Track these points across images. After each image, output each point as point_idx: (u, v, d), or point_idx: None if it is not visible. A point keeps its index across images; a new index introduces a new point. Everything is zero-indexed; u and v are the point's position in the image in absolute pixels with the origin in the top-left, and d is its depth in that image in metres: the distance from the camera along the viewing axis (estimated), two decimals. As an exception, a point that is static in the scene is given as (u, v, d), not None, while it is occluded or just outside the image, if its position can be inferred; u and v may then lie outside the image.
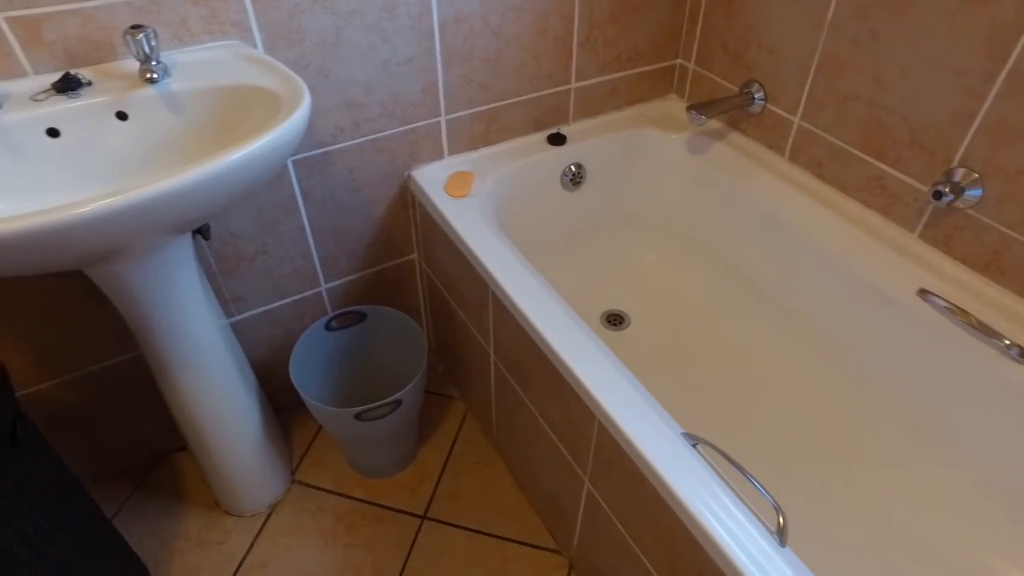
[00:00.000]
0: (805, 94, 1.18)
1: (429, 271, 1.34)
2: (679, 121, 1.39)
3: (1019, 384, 0.94)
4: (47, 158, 0.84)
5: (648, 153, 1.39)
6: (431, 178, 1.21)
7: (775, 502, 0.76)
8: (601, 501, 0.96)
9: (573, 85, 1.31)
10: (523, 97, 1.27)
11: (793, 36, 1.16)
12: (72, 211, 0.63)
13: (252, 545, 1.22)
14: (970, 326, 0.98)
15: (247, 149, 0.73)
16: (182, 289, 0.95)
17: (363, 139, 1.15)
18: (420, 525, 1.25)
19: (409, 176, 1.24)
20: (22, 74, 0.85)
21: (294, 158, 1.10)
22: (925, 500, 1.08)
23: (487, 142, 1.29)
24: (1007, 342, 0.95)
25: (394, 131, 1.17)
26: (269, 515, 1.27)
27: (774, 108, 1.25)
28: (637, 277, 1.48)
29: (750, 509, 0.74)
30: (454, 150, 1.26)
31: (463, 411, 1.45)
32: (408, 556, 1.20)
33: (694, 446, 0.81)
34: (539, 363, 0.98)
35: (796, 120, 1.22)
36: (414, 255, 1.37)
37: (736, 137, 1.34)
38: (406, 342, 1.28)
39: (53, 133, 0.84)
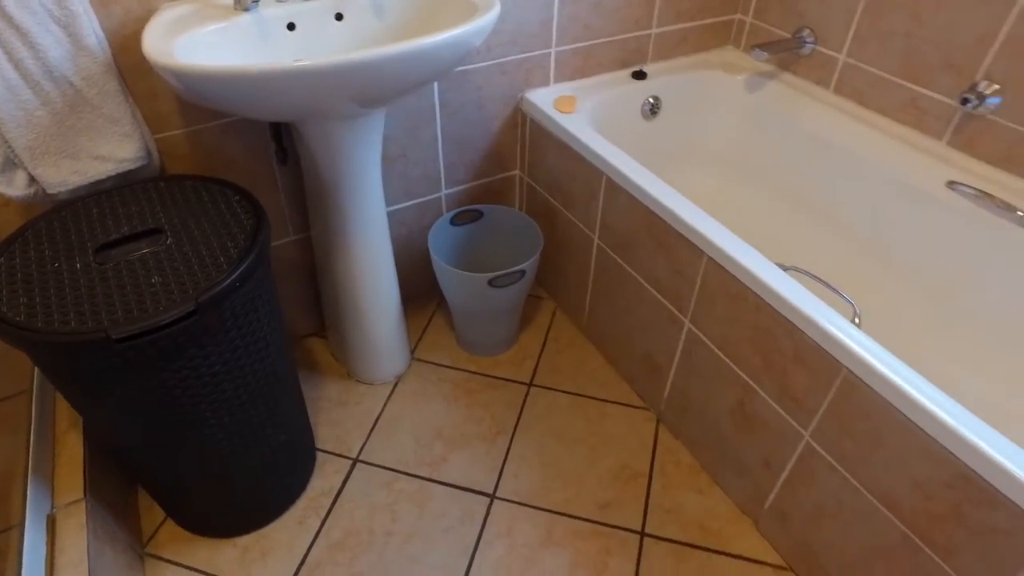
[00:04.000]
0: (851, 34, 1.44)
1: (531, 182, 1.58)
2: (737, 67, 1.65)
3: (1030, 244, 1.20)
4: (287, 46, 1.09)
5: (713, 90, 1.65)
6: (542, 98, 1.46)
7: (853, 301, 1.01)
8: (701, 335, 1.20)
9: (654, 30, 1.57)
10: (615, 37, 1.52)
11: (843, -15, 1.42)
12: (295, 65, 0.83)
13: (386, 404, 1.45)
14: (993, 205, 1.24)
15: (445, 35, 0.92)
16: (368, 164, 1.19)
17: (492, 62, 1.40)
18: (527, 391, 1.48)
19: (522, 98, 1.49)
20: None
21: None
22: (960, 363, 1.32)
23: (583, 74, 1.55)
24: (1021, 212, 1.21)
25: (515, 57, 1.42)
26: (396, 384, 1.50)
27: (822, 49, 1.51)
28: (699, 198, 1.73)
29: (833, 307, 0.99)
30: (558, 79, 1.52)
31: (552, 308, 1.69)
32: (520, 412, 1.43)
33: (785, 270, 1.05)
34: (650, 229, 1.23)
35: (842, 57, 1.48)
36: (516, 171, 1.62)
37: (787, 76, 1.60)
38: (518, 236, 1.52)
39: (291, 27, 1.09)
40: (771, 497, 1.17)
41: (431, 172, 1.49)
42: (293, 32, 1.09)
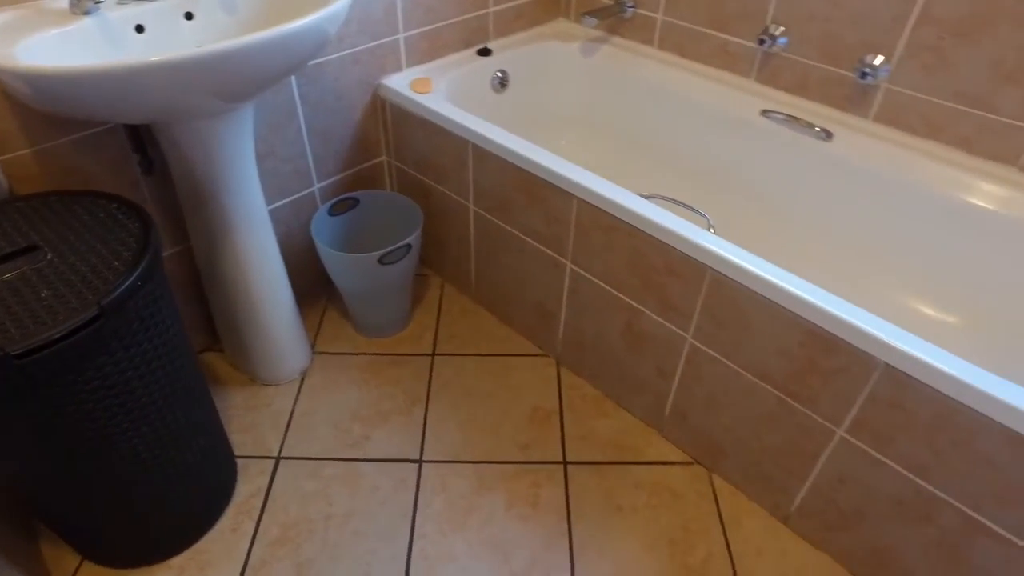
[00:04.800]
0: (663, -6, 1.63)
1: (400, 165, 1.64)
2: (571, 36, 1.80)
3: (829, 152, 1.43)
4: (137, 48, 1.08)
5: (553, 59, 1.79)
6: (398, 83, 1.53)
7: (707, 215, 1.17)
8: (583, 272, 1.33)
9: (491, 9, 1.68)
10: (458, 18, 1.62)
11: (648, -48, 1.61)
12: (146, 60, 0.82)
13: (296, 400, 1.46)
14: (799, 125, 1.46)
15: (301, 23, 0.94)
16: (245, 162, 1.20)
17: (345, 52, 1.45)
18: (432, 361, 1.55)
19: (379, 84, 1.54)
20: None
21: (296, 66, 1.38)
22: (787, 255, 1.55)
23: (433, 57, 1.63)
24: (818, 128, 1.44)
25: (366, 46, 1.48)
26: (302, 380, 1.51)
27: (642, 11, 1.69)
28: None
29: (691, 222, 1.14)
30: (410, 63, 1.58)
31: (440, 283, 1.76)
32: (429, 381, 1.50)
33: (646, 199, 1.20)
34: (521, 185, 1.33)
35: (659, 16, 1.67)
36: (384, 157, 1.67)
37: (616, 39, 1.78)
38: (397, 216, 1.57)
39: (140, 29, 1.08)
40: (669, 403, 1.32)
41: (301, 167, 1.51)
42: (143, 34, 1.08)
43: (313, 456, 1.35)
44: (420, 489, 1.29)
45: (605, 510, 1.26)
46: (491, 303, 1.65)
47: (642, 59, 1.70)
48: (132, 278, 0.89)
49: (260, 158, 1.42)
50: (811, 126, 1.45)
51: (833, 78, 1.44)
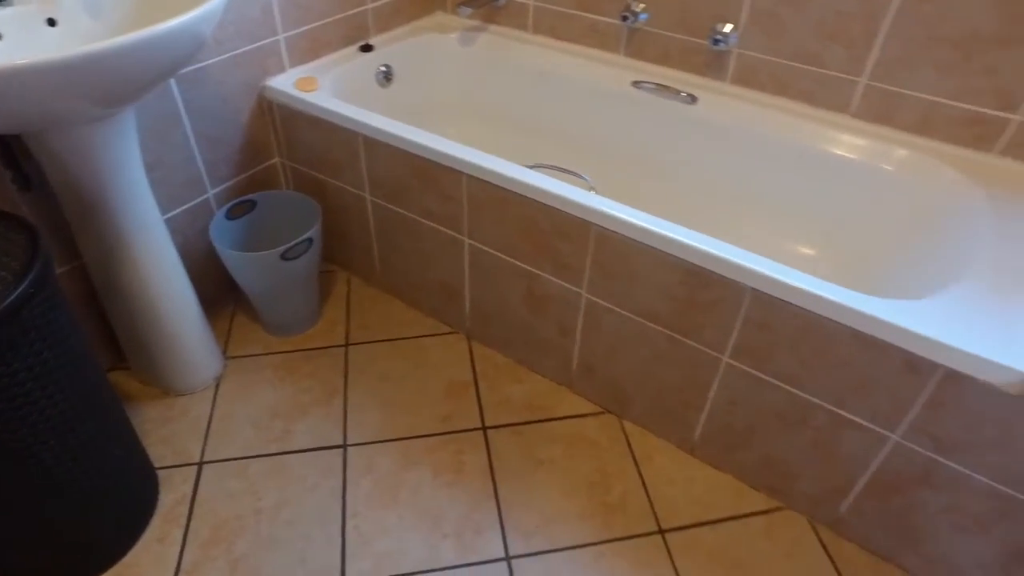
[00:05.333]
0: (530, -19, 1.72)
1: (293, 164, 1.66)
2: (449, 27, 1.86)
3: (695, 114, 1.56)
4: None
5: (433, 51, 1.85)
6: (283, 83, 1.54)
7: (587, 177, 1.26)
8: (480, 245, 1.39)
9: (369, 5, 1.72)
10: (337, 16, 1.65)
11: (512, -59, 1.69)
12: (10, 63, 0.80)
13: (214, 405, 1.46)
14: (668, 92, 1.58)
15: (173, 23, 0.94)
16: (133, 170, 1.19)
17: (226, 56, 1.45)
18: (346, 351, 1.58)
19: (264, 86, 1.56)
20: (-41, -1, 1.06)
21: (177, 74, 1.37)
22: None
23: (316, 55, 1.65)
24: (683, 93, 1.57)
25: (247, 48, 1.49)
26: (217, 385, 1.50)
27: (513, -1, 1.78)
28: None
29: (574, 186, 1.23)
30: (293, 63, 1.61)
31: (346, 277, 1.78)
32: (346, 370, 1.53)
33: (533, 168, 1.28)
34: (413, 170, 1.38)
35: (531, 2, 1.76)
36: (276, 158, 1.68)
37: (493, 27, 1.85)
38: (295, 214, 1.59)
39: None
40: (575, 359, 1.41)
41: (192, 174, 1.51)
42: (1, 42, 1.06)
43: (237, 456, 1.35)
44: (347, 472, 1.32)
45: (526, 466, 1.33)
46: (398, 289, 1.69)
47: (519, 44, 1.79)
48: (23, 286, 0.88)
49: (149, 167, 1.41)
50: (677, 92, 1.58)
51: (691, 47, 1.57)
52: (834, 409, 1.08)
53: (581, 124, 1.76)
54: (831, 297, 0.99)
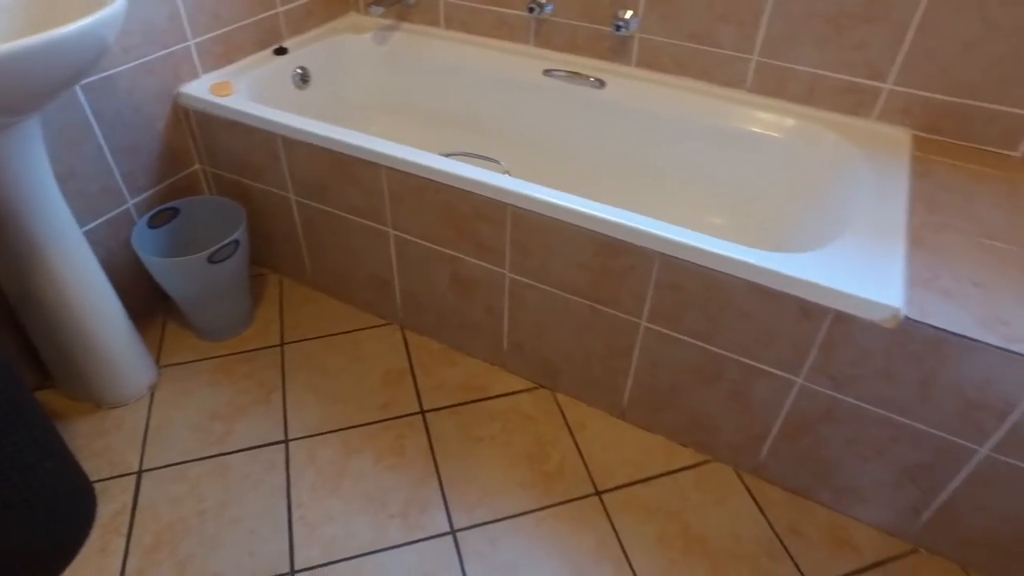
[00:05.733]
0: (439, -22, 1.77)
1: (214, 170, 1.66)
2: (363, 27, 1.89)
3: (601, 98, 1.64)
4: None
5: (348, 51, 1.87)
6: (198, 89, 1.55)
7: (501, 161, 1.31)
8: (404, 235, 1.43)
9: (280, 9, 1.74)
10: (247, 20, 1.66)
11: (418, -60, 1.73)
12: None
13: (150, 414, 1.45)
14: (578, 79, 1.66)
15: (72, 28, 0.94)
16: (42, 180, 1.18)
17: (135, 63, 1.45)
18: (282, 350, 1.59)
19: (179, 93, 1.55)
20: None
21: (81, 83, 1.36)
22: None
23: (230, 60, 1.66)
24: (592, 78, 1.64)
25: (157, 55, 1.48)
26: (152, 394, 1.50)
27: (423, -4, 1.82)
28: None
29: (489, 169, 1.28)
30: (207, 69, 1.61)
31: (278, 279, 1.79)
32: (283, 369, 1.54)
33: (449, 156, 1.33)
34: (333, 167, 1.41)
35: (440, -1, 1.81)
36: (197, 165, 1.68)
37: (406, 25, 1.89)
38: (220, 218, 1.59)
39: None
40: (504, 338, 1.46)
41: (109, 185, 1.49)
42: None
43: (177, 461, 1.35)
44: (290, 466, 1.34)
45: (466, 444, 1.38)
46: (329, 286, 1.71)
47: (432, 40, 1.83)
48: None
49: (61, 179, 1.39)
50: (586, 78, 1.65)
51: (596, 34, 1.65)
52: (744, 360, 1.17)
53: (497, 114, 1.82)
54: (730, 255, 1.07)
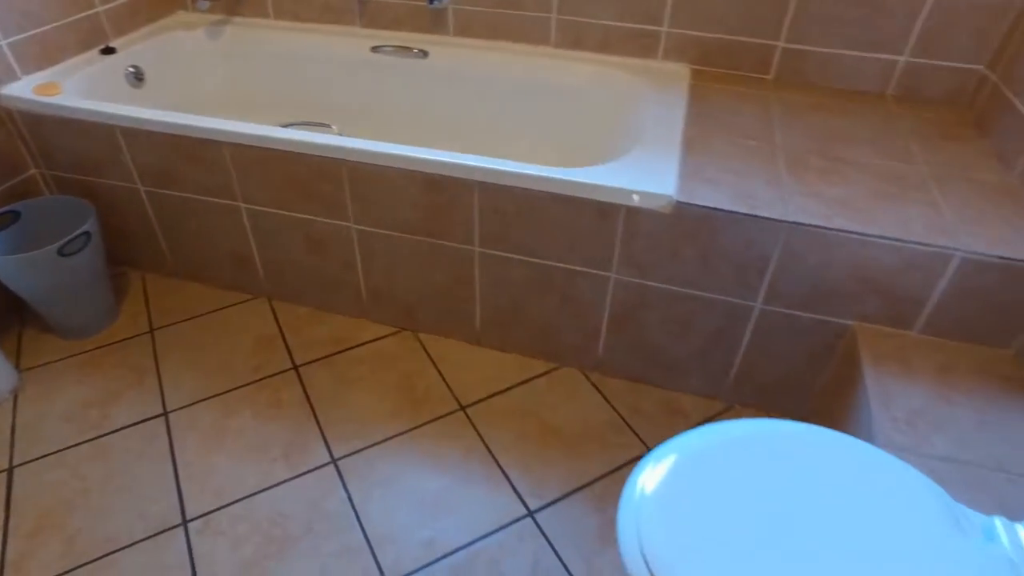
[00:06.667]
0: (259, -30, 1.86)
1: (54, 172, 1.67)
2: (194, 24, 1.95)
3: (427, 67, 1.79)
4: None
5: (182, 48, 1.92)
6: (21, 90, 1.56)
7: (331, 124, 1.44)
8: (256, 207, 1.52)
9: (100, 8, 1.76)
10: (63, 21, 1.67)
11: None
12: None
13: (15, 415, 1.46)
14: (404, 52, 1.80)
15: None
16: None
17: (-52, 69, 1.45)
18: (152, 336, 1.63)
19: None
20: None
21: None
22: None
23: (53, 61, 1.67)
24: (416, 50, 1.79)
25: (-29, 60, 1.49)
26: (15, 397, 1.50)
27: (247, -12, 1.90)
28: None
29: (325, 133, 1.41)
30: (27, 71, 1.61)
31: (140, 275, 1.82)
32: (155, 352, 1.59)
33: (288, 126, 1.43)
34: (176, 150, 1.48)
35: (263, -11, 1.89)
36: (33, 169, 1.68)
37: (237, 19, 1.97)
38: (67, 215, 1.61)
39: None
40: (363, 289, 1.59)
41: (-60, 195, 1.48)
42: None
43: (52, 451, 1.38)
44: (172, 434, 1.40)
45: (339, 387, 1.49)
46: (192, 272, 1.76)
47: (265, 31, 1.92)
48: None
49: None
50: (411, 50, 1.80)
51: (415, 10, 1.80)
52: (565, 266, 1.36)
53: (334, 93, 1.93)
54: (535, 173, 1.25)
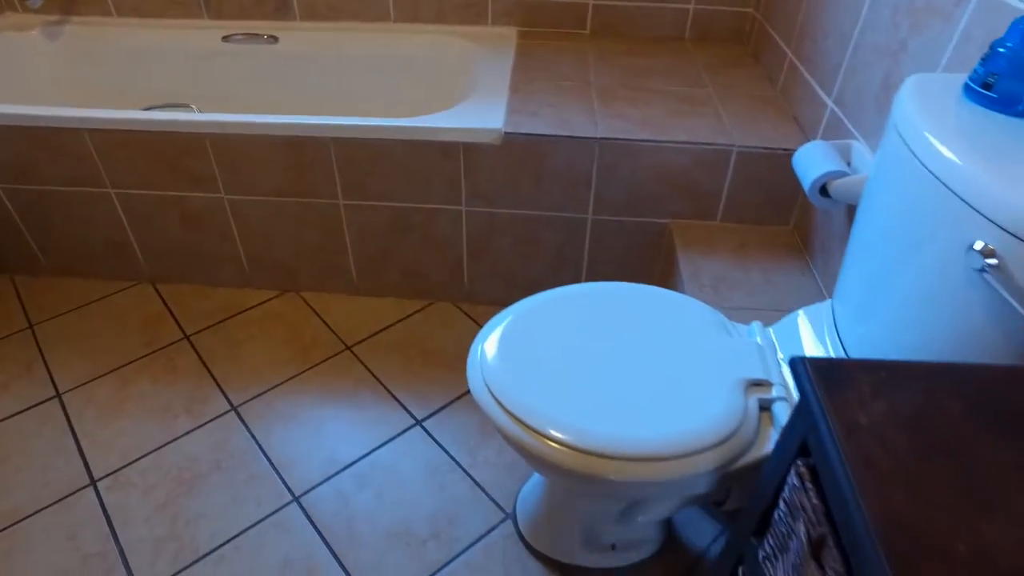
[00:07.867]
0: (97, -29, 1.91)
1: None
2: (27, 25, 1.95)
3: (278, 51, 1.92)
4: None
5: (14, 51, 1.93)
6: None
7: (193, 107, 1.54)
8: (124, 190, 1.60)
9: (-67, 20, 1.76)
10: None
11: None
12: None
13: (-99, 421, 1.47)
14: (256, 39, 1.91)
15: None
16: None
17: None
18: (32, 332, 1.66)
19: None
20: None
21: None
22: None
23: None
24: (266, 36, 1.91)
25: None
26: (-102, 406, 1.51)
27: (87, -10, 1.94)
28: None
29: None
30: None
31: (9, 279, 1.83)
32: (37, 344, 1.62)
33: (149, 109, 1.52)
34: (35, 142, 1.53)
35: (104, -10, 1.94)
36: None
37: (75, 18, 1.99)
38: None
39: None
40: (243, 259, 1.70)
41: None
42: None
43: (-54, 446, 1.41)
44: (69, 412, 1.46)
45: (232, 348, 1.60)
46: (69, 267, 1.80)
47: (109, 29, 1.97)
48: None
49: None
50: (261, 37, 1.92)
51: (258, -2, 1.92)
52: (421, 206, 1.54)
53: (191, 81, 2.01)
54: (381, 124, 1.42)
